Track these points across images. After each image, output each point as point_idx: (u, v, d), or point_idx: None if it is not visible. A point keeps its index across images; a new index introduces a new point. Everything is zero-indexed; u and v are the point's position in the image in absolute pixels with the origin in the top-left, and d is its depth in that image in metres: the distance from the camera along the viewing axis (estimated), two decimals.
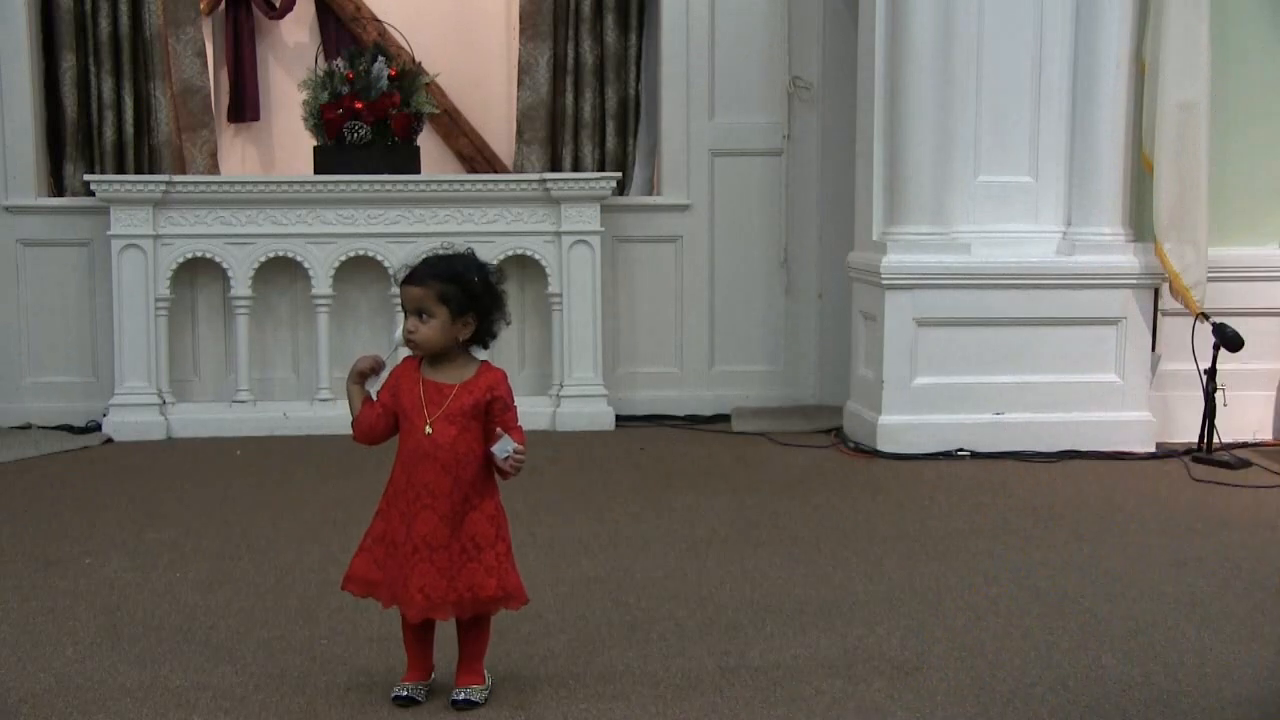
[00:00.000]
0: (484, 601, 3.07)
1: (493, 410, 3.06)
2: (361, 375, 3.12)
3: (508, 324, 3.15)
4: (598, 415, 6.68)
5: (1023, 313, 5.99)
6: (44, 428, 6.58)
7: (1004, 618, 3.79)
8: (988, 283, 5.96)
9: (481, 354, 3.16)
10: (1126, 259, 6.00)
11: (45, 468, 5.83)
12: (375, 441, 3.15)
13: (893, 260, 5.93)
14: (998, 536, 4.65)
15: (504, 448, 3.01)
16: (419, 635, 3.16)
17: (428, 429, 3.03)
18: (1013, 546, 4.52)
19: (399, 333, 3.10)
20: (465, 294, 3.03)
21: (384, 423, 3.11)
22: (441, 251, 3.12)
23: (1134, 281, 6.01)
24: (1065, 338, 6.02)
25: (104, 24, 6.74)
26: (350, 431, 3.17)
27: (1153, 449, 5.98)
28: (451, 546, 3.03)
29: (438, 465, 3.02)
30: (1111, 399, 6.03)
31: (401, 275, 3.09)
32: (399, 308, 3.10)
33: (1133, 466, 5.76)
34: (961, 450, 5.94)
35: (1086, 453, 5.92)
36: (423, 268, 3.06)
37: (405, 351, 3.13)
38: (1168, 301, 6.12)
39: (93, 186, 6.46)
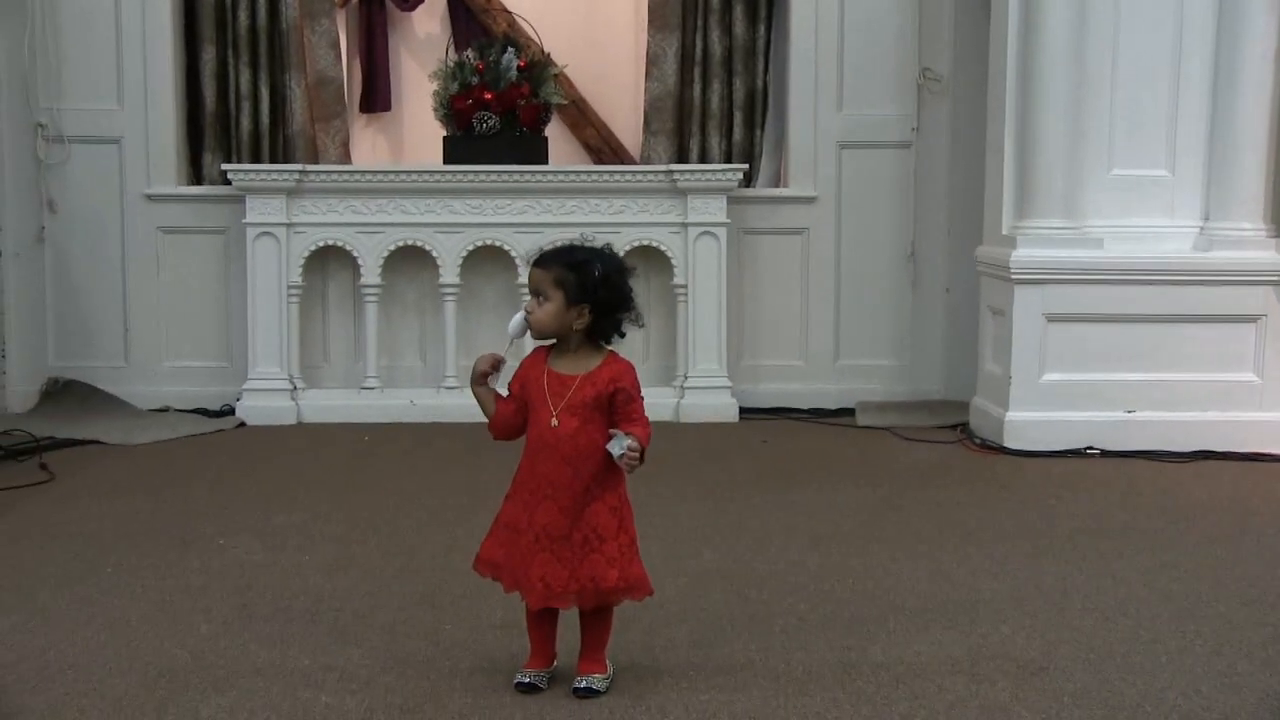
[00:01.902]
0: (606, 592, 3.07)
1: (616, 402, 3.05)
2: (483, 375, 3.12)
3: (640, 325, 3.12)
4: (721, 407, 6.67)
5: (1156, 309, 5.87)
6: (181, 411, 6.74)
7: (1133, 620, 3.72)
8: (1120, 278, 5.85)
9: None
10: (1268, 255, 5.85)
11: (181, 450, 5.97)
12: (514, 435, 3.14)
13: (1022, 255, 5.84)
14: (1127, 537, 4.56)
15: (617, 445, 3.00)
16: (541, 623, 3.18)
17: (553, 421, 3.03)
18: (1143, 548, 4.43)
19: (514, 323, 3.08)
20: (581, 284, 3.02)
21: (519, 416, 3.11)
22: (579, 242, 3.13)
23: (1275, 278, 5.86)
24: (1201, 335, 5.88)
25: (243, 16, 6.88)
26: (489, 429, 3.17)
27: None
28: (572, 537, 3.04)
29: (559, 457, 3.03)
30: (1249, 398, 5.89)
31: (534, 258, 3.11)
32: (525, 294, 3.11)
33: (1271, 469, 5.61)
34: (1091, 448, 5.84)
35: (1221, 453, 5.78)
36: (552, 252, 3.08)
37: (523, 346, 3.14)
38: None
39: (229, 176, 6.60)
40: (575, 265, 3.04)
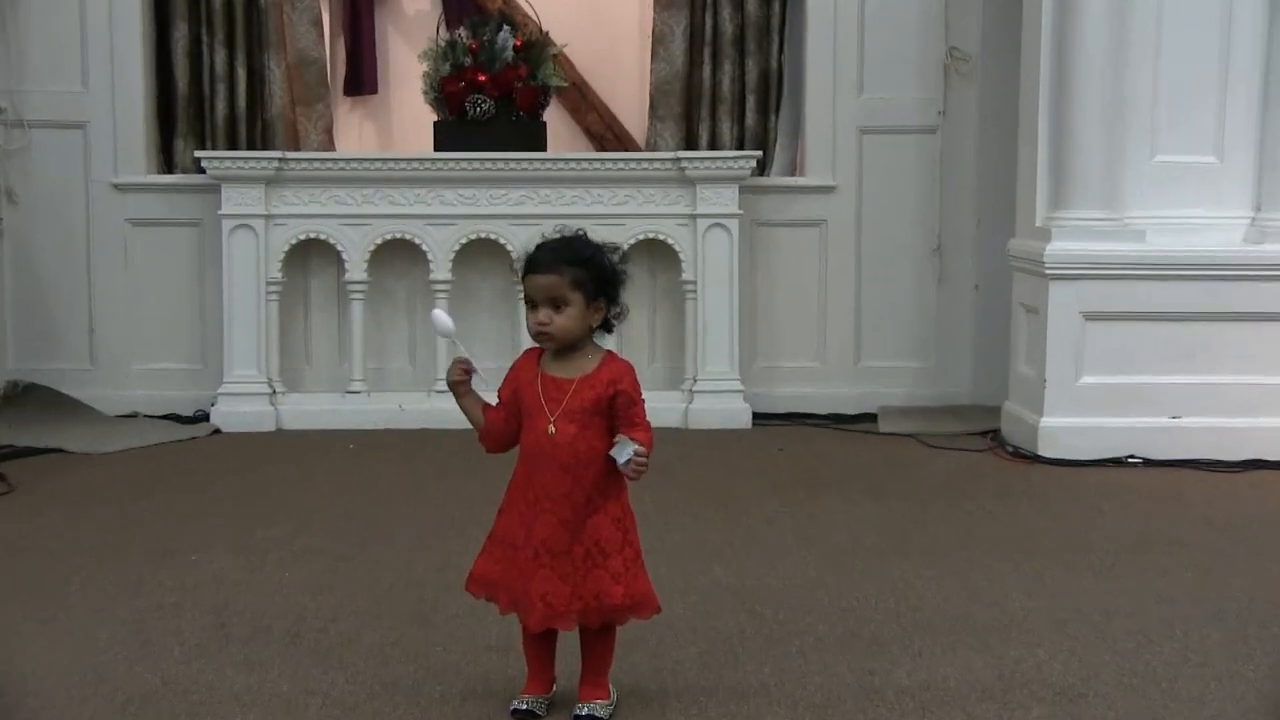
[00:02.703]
0: (610, 610, 3.07)
1: (616, 405, 3.04)
2: (460, 385, 3.13)
3: (625, 317, 3.15)
4: (733, 412, 6.67)
5: (1203, 306, 5.86)
6: (151, 417, 6.74)
7: (1179, 642, 3.71)
8: (1164, 273, 5.85)
9: (607, 343, 3.16)
10: None
11: (152, 458, 5.97)
12: (508, 446, 3.14)
13: (1058, 248, 5.84)
14: (1172, 552, 4.56)
15: (623, 451, 2.98)
16: (540, 645, 3.17)
17: (550, 428, 3.03)
18: (1189, 564, 4.43)
19: (441, 324, 3.15)
20: (598, 278, 3.04)
21: (511, 424, 3.11)
22: (556, 235, 3.12)
23: None
24: (1252, 335, 5.88)
25: None
26: (479, 441, 3.17)
27: None
28: (573, 552, 3.03)
29: (557, 466, 3.03)
30: None
31: (521, 265, 3.09)
32: (523, 298, 3.09)
33: None
34: (1132, 457, 5.84)
35: (1274, 462, 5.78)
36: (547, 254, 3.05)
37: (480, 348, 3.14)
38: None
39: (203, 163, 6.60)
40: (585, 261, 3.04)
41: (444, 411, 6.38)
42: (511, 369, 3.15)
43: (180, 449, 6.19)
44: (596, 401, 3.04)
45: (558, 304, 3.02)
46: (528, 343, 3.18)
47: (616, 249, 3.14)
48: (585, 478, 3.04)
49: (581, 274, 3.02)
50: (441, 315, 3.23)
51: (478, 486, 5.05)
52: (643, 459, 3.00)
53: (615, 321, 3.13)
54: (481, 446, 3.18)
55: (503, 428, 3.12)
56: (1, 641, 3.65)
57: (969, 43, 6.85)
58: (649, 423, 3.09)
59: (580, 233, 3.12)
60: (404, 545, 4.60)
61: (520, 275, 3.08)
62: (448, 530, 4.72)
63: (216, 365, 6.74)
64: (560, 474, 3.03)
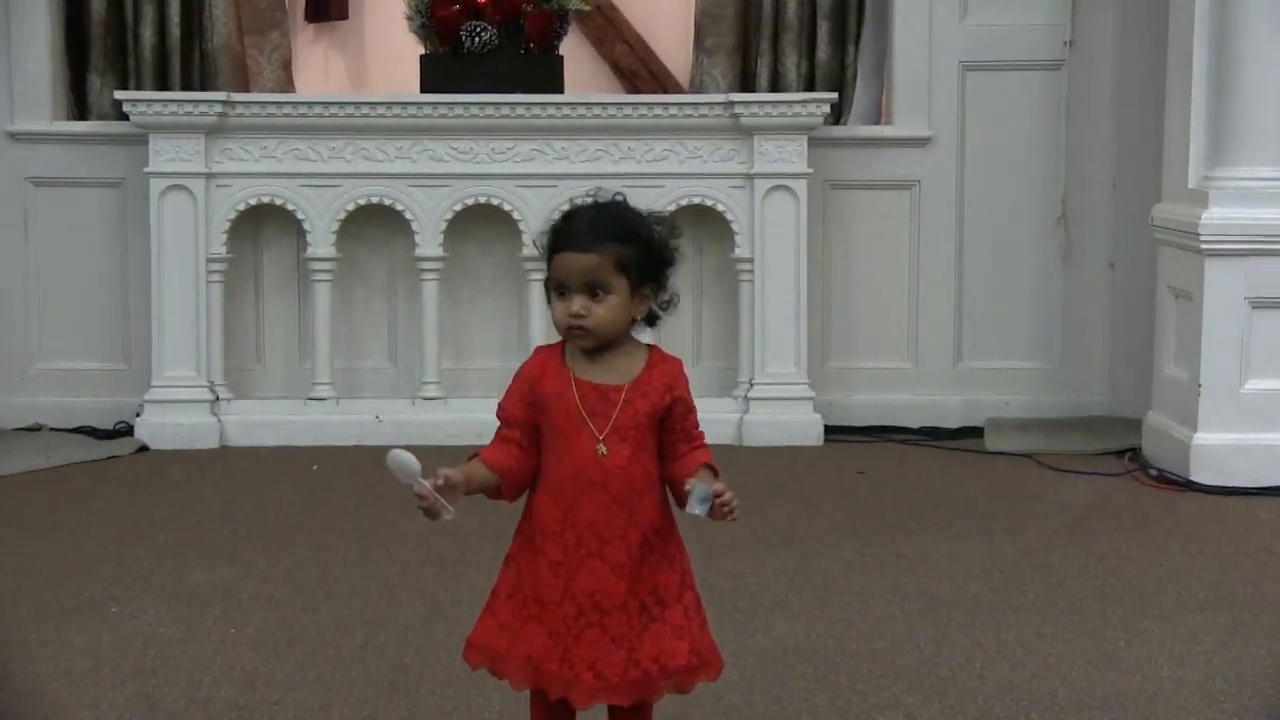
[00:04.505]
0: (675, 673, 3.01)
1: (673, 416, 3.01)
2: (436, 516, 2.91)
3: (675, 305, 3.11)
4: (801, 425, 6.68)
5: None
6: (58, 430, 6.77)
7: None
8: None
9: (645, 337, 3.13)
10: None
11: (59, 484, 5.99)
12: (529, 485, 3.04)
13: (1218, 215, 5.83)
14: None
15: (701, 497, 2.89)
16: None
17: (600, 448, 2.98)
18: None
19: (404, 466, 2.83)
20: (649, 257, 2.99)
21: (534, 455, 3.01)
22: (587, 201, 3.08)
23: None
24: None
25: None
26: (498, 496, 3.02)
27: None
28: (629, 605, 2.99)
29: (608, 498, 2.97)
30: None
31: (545, 240, 3.04)
32: (545, 281, 3.03)
33: None
34: None
35: None
36: (584, 226, 2.99)
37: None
38: None
39: (125, 108, 6.62)
40: (630, 237, 2.98)
41: (430, 424, 6.44)
42: (522, 376, 3.04)
43: (96, 471, 6.22)
44: (652, 413, 2.99)
45: (596, 290, 2.96)
46: (540, 338, 3.13)
47: (663, 219, 3.09)
48: (641, 512, 2.98)
49: (628, 253, 2.96)
50: (402, 456, 2.87)
51: (472, 519, 5.03)
52: (729, 499, 2.93)
53: (662, 313, 3.09)
54: (503, 500, 3.04)
55: (526, 465, 3.01)
56: None
57: None
58: (704, 434, 3.07)
59: (620, 197, 3.08)
60: (380, 593, 4.61)
61: (545, 253, 3.01)
62: (436, 573, 4.72)
63: (143, 365, 6.76)
64: (613, 508, 2.97)
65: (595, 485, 2.94)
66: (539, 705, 3.10)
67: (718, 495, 2.91)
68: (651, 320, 3.05)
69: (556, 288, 2.98)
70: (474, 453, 3.00)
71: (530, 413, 3.00)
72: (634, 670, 2.96)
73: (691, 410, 3.03)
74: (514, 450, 2.99)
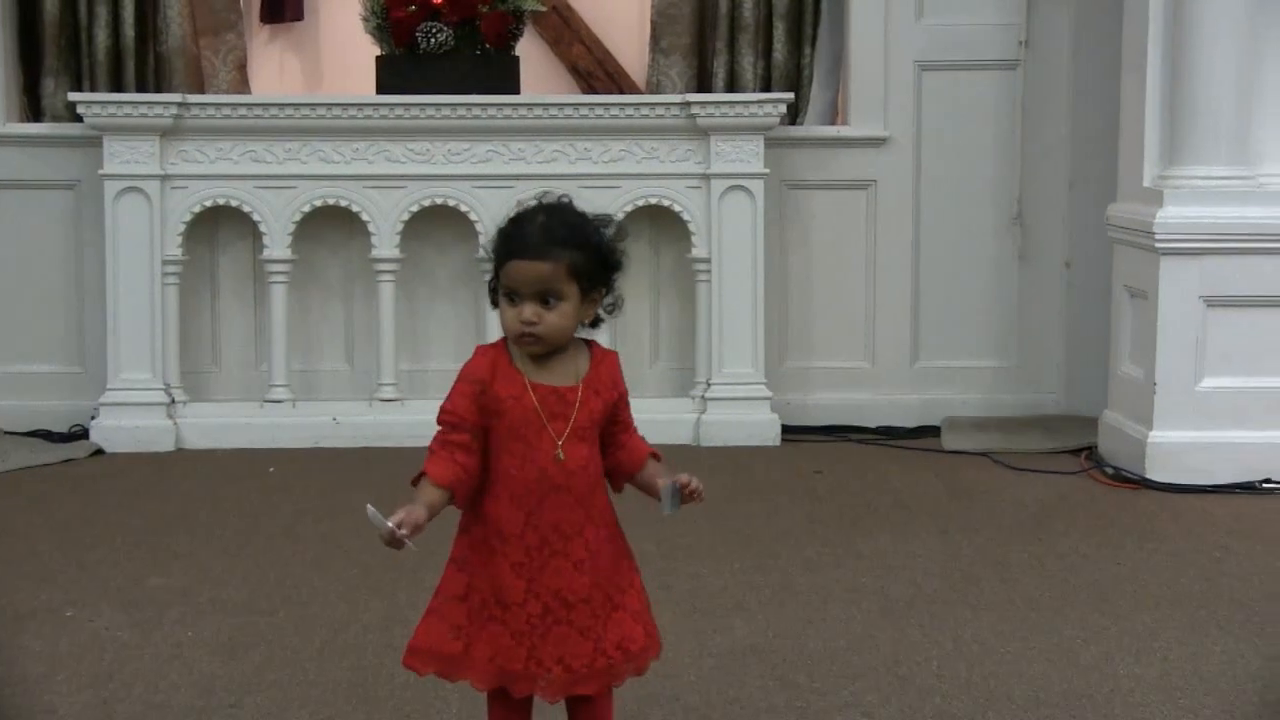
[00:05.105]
0: (634, 656, 3.03)
1: (618, 410, 3.05)
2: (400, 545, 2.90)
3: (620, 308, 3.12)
4: (758, 425, 6.69)
5: None
6: (13, 434, 6.74)
7: None
8: None
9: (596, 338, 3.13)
10: None
11: (14, 487, 5.97)
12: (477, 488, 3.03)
13: (1173, 214, 5.84)
14: None
15: (673, 493, 2.95)
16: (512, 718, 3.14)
17: (559, 454, 2.98)
18: None
19: (380, 519, 2.83)
20: (600, 263, 2.99)
21: (479, 459, 2.99)
22: (533, 204, 3.07)
23: None
24: None
25: None
26: (453, 504, 3.00)
27: None
28: (593, 598, 3.00)
29: (571, 499, 2.98)
30: None
31: (495, 246, 3.03)
32: (493, 287, 3.01)
33: None
34: (1268, 481, 5.85)
35: None
36: (537, 233, 2.99)
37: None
38: None
39: (80, 109, 6.59)
40: (583, 244, 2.98)
41: (389, 425, 6.43)
42: (470, 378, 3.03)
43: (50, 475, 6.19)
44: (605, 410, 3.01)
45: (548, 298, 2.97)
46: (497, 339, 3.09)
47: (610, 221, 3.09)
48: (596, 508, 3.01)
49: (581, 259, 2.95)
50: (378, 517, 2.87)
51: (434, 520, 5.04)
52: (695, 484, 2.99)
53: (607, 316, 3.09)
54: (456, 504, 3.01)
55: (473, 471, 2.99)
56: None
57: None
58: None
59: (566, 200, 3.07)
60: (339, 595, 4.60)
61: (494, 259, 3.00)
62: (396, 576, 4.70)
63: (99, 368, 6.74)
64: (575, 508, 2.98)
65: (559, 489, 2.96)
66: (498, 705, 3.10)
67: (684, 487, 2.97)
68: (596, 323, 3.06)
69: (507, 293, 2.98)
70: (419, 474, 2.97)
71: (481, 416, 3.00)
72: (600, 659, 2.99)
73: (628, 400, 3.08)
74: (460, 456, 2.97)
